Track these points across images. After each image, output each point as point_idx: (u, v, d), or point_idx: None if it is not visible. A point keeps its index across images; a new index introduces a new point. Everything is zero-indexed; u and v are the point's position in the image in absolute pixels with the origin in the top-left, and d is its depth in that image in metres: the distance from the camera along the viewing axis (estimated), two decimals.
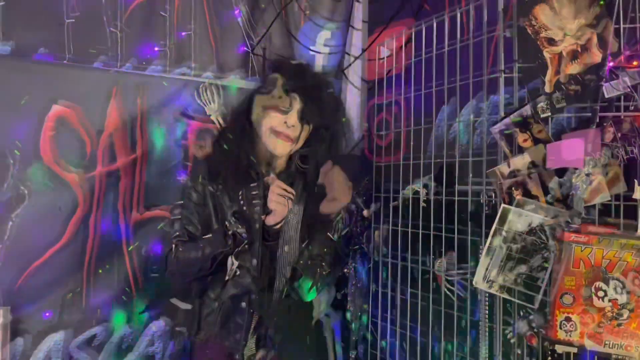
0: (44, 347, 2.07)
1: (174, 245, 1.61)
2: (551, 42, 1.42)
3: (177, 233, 1.65)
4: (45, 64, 2.07)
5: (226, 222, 1.56)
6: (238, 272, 1.56)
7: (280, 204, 1.56)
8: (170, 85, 2.32)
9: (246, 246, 1.55)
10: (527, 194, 1.47)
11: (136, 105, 2.23)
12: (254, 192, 1.55)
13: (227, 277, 1.57)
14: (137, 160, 2.23)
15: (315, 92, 1.62)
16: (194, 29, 2.44)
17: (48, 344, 2.07)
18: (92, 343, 2.16)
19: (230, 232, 1.54)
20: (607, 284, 1.29)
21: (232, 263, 1.55)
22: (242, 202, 1.55)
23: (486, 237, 1.52)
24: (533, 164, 1.45)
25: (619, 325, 1.29)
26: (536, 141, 1.45)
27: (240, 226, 1.53)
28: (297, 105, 1.59)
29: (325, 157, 1.66)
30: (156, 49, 2.36)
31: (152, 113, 2.27)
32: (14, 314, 1.99)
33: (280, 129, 1.58)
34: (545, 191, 1.43)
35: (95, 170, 2.14)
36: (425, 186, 2.03)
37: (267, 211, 1.58)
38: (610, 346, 1.31)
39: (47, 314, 2.07)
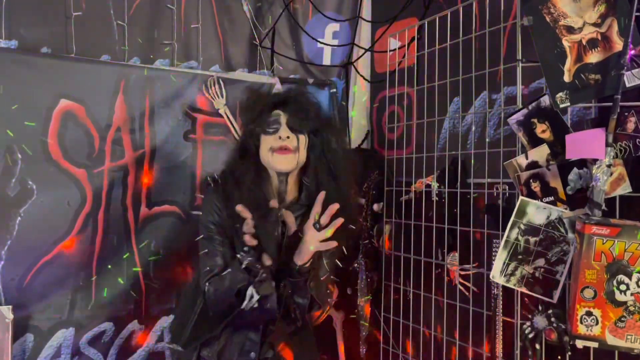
0: (54, 343, 2.06)
1: (207, 285, 1.57)
2: (570, 30, 1.39)
3: (207, 269, 1.59)
4: (51, 59, 2.06)
5: (238, 255, 1.52)
6: (256, 305, 1.51)
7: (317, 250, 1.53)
8: (178, 79, 2.29)
9: (263, 275, 1.50)
10: (545, 185, 1.44)
11: (144, 99, 2.21)
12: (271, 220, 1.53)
13: (242, 307, 1.51)
14: (145, 155, 2.21)
15: (295, 102, 1.65)
16: (201, 22, 2.42)
17: (58, 340, 2.07)
18: (101, 339, 2.15)
19: (243, 266, 1.50)
20: (629, 277, 1.26)
21: (252, 295, 1.49)
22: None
23: (503, 230, 1.49)
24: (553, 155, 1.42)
25: None
26: (555, 132, 1.42)
27: (252, 257, 1.50)
28: (283, 118, 1.61)
29: (322, 162, 1.64)
30: (164, 42, 2.34)
31: (159, 107, 2.24)
32: (23, 310, 1.98)
33: (277, 144, 1.58)
34: (565, 183, 1.40)
35: (103, 165, 2.12)
36: (439, 179, 2.00)
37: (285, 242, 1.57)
38: (632, 341, 1.28)
39: (57, 310, 2.05)
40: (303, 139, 1.62)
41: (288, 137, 1.59)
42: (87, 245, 2.09)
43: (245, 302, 1.49)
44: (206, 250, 1.60)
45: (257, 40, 2.53)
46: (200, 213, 1.69)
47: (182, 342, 1.64)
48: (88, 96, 2.10)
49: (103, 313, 2.14)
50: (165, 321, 2.27)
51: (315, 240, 1.51)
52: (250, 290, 1.49)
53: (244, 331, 1.63)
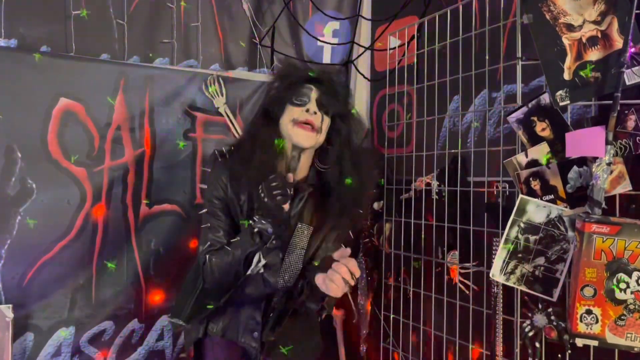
0: (54, 342, 2.06)
1: (207, 257, 1.57)
2: (570, 28, 1.38)
3: (208, 243, 1.59)
4: (51, 58, 2.05)
5: (250, 221, 1.52)
6: (262, 270, 1.52)
7: (338, 287, 1.41)
8: (178, 78, 2.29)
9: (274, 242, 1.52)
10: (545, 184, 1.43)
11: (143, 98, 2.21)
12: (273, 184, 1.50)
13: (249, 272, 1.53)
14: (145, 154, 2.21)
15: (329, 81, 1.62)
16: (200, 21, 2.42)
17: (58, 339, 2.07)
18: (101, 337, 2.15)
19: (256, 230, 1.50)
20: (629, 275, 1.26)
21: (259, 260, 1.51)
22: (262, 195, 1.51)
23: (502, 228, 1.49)
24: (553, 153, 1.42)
25: None
26: (555, 130, 1.42)
27: (264, 222, 1.50)
28: (314, 94, 1.58)
29: (347, 148, 1.62)
30: (163, 41, 2.33)
31: (159, 106, 2.24)
32: (23, 309, 1.98)
33: (303, 118, 1.55)
34: (565, 181, 1.40)
35: (103, 164, 2.12)
36: (438, 178, 2.00)
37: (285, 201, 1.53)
38: (632, 339, 1.28)
39: (57, 309, 2.05)
40: (327, 121, 1.61)
41: (315, 113, 1.57)
42: (87, 244, 2.10)
43: (252, 266, 1.51)
44: (209, 225, 1.61)
45: (257, 38, 2.53)
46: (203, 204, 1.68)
47: (184, 317, 1.64)
48: (88, 95, 2.09)
49: (103, 312, 2.14)
50: (165, 320, 2.27)
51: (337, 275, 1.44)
52: (258, 255, 1.51)
53: (248, 310, 1.63)
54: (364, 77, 2.54)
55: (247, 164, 1.56)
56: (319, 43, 2.65)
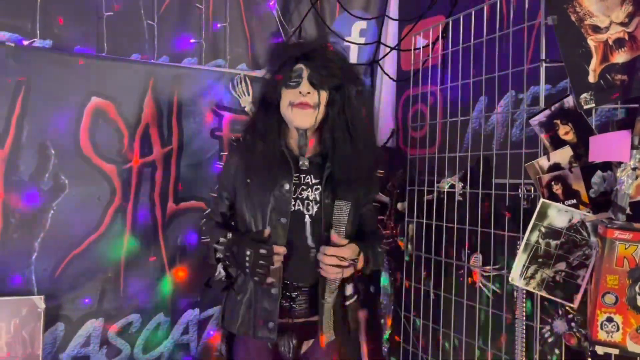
0: (84, 332, 2.13)
1: (203, 220, 1.85)
2: (596, 29, 1.35)
3: (210, 209, 1.85)
4: (83, 58, 2.11)
5: (219, 251, 1.66)
6: (224, 279, 1.73)
7: (334, 273, 1.56)
8: (206, 77, 2.33)
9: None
10: (567, 188, 1.41)
11: (172, 97, 2.26)
12: (261, 262, 1.52)
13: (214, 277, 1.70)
14: (173, 152, 2.26)
15: (320, 55, 1.60)
16: (228, 21, 2.45)
17: (87, 330, 2.14)
18: (129, 330, 2.21)
19: (218, 256, 1.67)
20: None
21: (219, 272, 1.70)
22: (247, 260, 1.55)
23: (524, 232, 1.47)
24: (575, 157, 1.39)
25: None
26: (578, 134, 1.39)
27: (224, 269, 1.68)
28: (305, 73, 1.58)
29: (340, 119, 1.61)
30: (192, 41, 2.38)
31: (187, 105, 2.29)
32: (55, 300, 2.05)
33: (297, 100, 1.57)
34: (588, 186, 1.37)
35: (132, 161, 2.18)
36: (462, 179, 1.98)
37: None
38: None
39: (86, 301, 2.12)
40: (324, 94, 1.60)
41: (309, 93, 1.57)
42: (116, 239, 2.16)
43: (215, 273, 1.69)
44: (215, 195, 1.81)
45: (284, 38, 2.55)
46: None
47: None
48: (118, 94, 2.15)
49: (130, 305, 2.21)
50: (190, 314, 2.33)
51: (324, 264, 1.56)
52: (219, 267, 1.67)
53: (258, 303, 1.64)
54: (389, 77, 2.53)
55: (251, 154, 1.61)
56: (346, 43, 2.66)
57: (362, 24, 2.68)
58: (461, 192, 1.98)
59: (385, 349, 2.47)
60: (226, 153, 1.78)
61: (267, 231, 1.58)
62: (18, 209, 1.99)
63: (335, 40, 1.81)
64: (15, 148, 1.99)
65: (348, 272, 1.58)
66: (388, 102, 2.65)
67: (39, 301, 1.97)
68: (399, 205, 2.41)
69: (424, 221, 2.11)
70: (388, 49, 2.52)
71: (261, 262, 1.51)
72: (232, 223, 1.75)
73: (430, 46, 2.12)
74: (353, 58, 2.70)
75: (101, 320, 2.16)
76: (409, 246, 2.26)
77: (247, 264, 1.53)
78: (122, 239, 2.18)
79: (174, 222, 2.28)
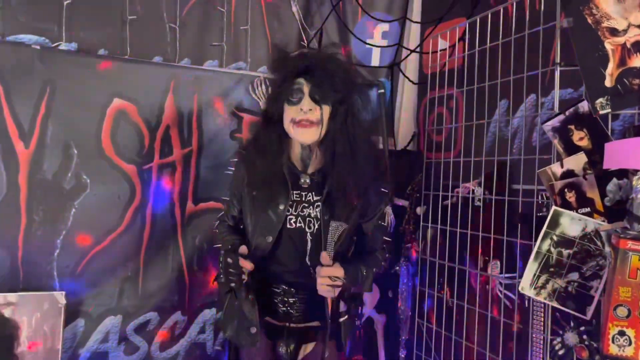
0: (103, 329, 2.18)
1: (218, 222, 1.87)
2: (614, 32, 1.31)
3: (223, 213, 1.87)
4: (107, 60, 2.16)
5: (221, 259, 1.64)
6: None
7: (327, 292, 1.49)
8: (226, 79, 2.36)
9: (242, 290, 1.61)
10: (581, 196, 1.36)
11: (192, 99, 2.29)
12: (230, 269, 1.52)
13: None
14: (192, 153, 2.30)
15: (321, 68, 1.55)
16: (250, 23, 2.47)
17: (106, 326, 2.18)
18: (146, 327, 2.25)
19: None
20: None
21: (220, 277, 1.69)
22: (221, 267, 1.58)
23: (536, 240, 1.43)
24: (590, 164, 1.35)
25: None
26: (593, 140, 1.35)
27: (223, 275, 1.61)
28: (306, 88, 1.54)
29: (342, 133, 1.56)
30: (213, 44, 2.41)
31: (207, 107, 2.32)
32: (75, 297, 2.10)
33: (299, 117, 1.53)
34: (602, 194, 1.33)
35: (152, 162, 2.22)
36: (480, 185, 1.94)
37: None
38: None
39: (106, 298, 2.17)
40: (327, 109, 1.56)
41: (310, 110, 1.53)
42: (135, 238, 2.20)
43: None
44: (228, 199, 1.83)
45: (305, 41, 2.55)
46: None
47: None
48: (140, 95, 2.20)
49: (149, 303, 2.24)
50: (207, 314, 2.35)
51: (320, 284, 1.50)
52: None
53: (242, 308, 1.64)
54: (409, 80, 2.51)
55: (252, 169, 1.61)
56: (368, 45, 2.64)
57: (385, 26, 2.66)
58: (480, 197, 1.94)
59: (403, 356, 2.45)
60: (235, 160, 1.77)
61: (244, 247, 1.56)
62: (41, 207, 2.05)
63: (337, 53, 1.72)
64: (40, 147, 2.05)
65: (336, 292, 1.52)
66: (410, 105, 2.63)
67: (60, 297, 2.02)
68: (418, 209, 2.38)
69: (438, 226, 2.08)
70: (409, 52, 2.49)
71: (230, 270, 1.52)
72: (242, 227, 1.77)
73: (447, 48, 2.09)
74: (375, 61, 2.69)
75: (120, 317, 2.20)
76: (427, 251, 2.24)
77: (222, 271, 1.58)
78: (142, 238, 2.22)
79: (193, 223, 2.30)
